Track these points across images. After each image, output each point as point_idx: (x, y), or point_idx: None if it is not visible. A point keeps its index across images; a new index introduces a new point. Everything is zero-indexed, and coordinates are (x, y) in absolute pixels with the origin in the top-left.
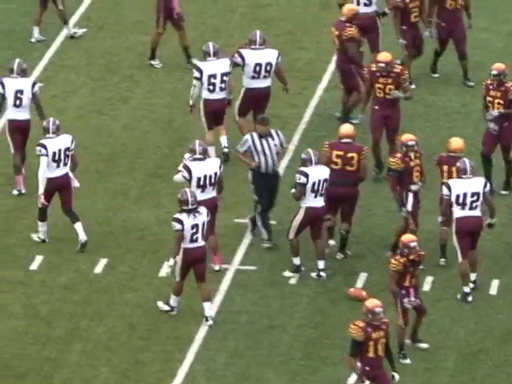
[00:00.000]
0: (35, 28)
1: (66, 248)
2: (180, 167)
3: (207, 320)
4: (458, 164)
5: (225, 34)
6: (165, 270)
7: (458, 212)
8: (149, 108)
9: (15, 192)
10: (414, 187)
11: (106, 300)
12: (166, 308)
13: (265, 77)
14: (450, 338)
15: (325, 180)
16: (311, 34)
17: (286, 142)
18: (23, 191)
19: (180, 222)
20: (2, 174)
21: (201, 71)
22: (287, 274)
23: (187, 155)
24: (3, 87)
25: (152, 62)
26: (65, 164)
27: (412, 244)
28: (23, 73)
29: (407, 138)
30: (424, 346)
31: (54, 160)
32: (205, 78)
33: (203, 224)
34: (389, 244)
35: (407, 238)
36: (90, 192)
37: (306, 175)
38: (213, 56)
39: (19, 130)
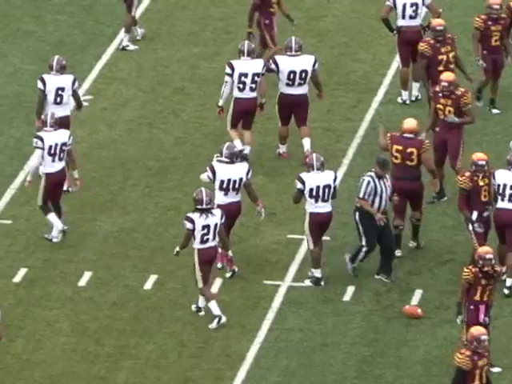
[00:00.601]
0: (125, 35)
1: (116, 264)
2: (207, 166)
3: (220, 319)
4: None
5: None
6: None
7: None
8: (200, 121)
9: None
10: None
11: (155, 317)
12: (194, 308)
13: (300, 84)
14: (506, 357)
15: (326, 186)
16: (367, 46)
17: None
18: (70, 189)
19: (191, 221)
20: None
21: (233, 68)
22: (307, 283)
23: (216, 155)
24: (44, 84)
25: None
26: (60, 159)
27: (488, 256)
28: (63, 69)
29: (478, 157)
30: (496, 370)
31: (49, 154)
32: (236, 76)
33: (215, 226)
34: (444, 261)
35: (484, 249)
36: (140, 207)
37: (303, 181)
38: (247, 55)
39: (59, 125)
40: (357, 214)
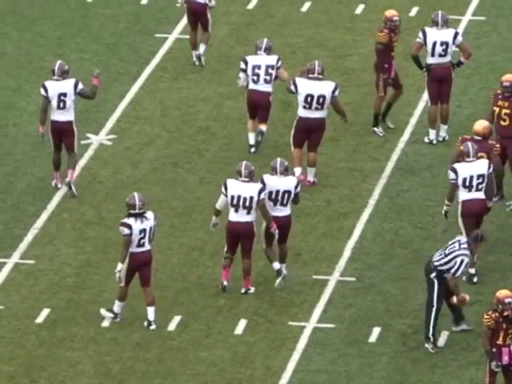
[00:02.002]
0: (193, 52)
1: (139, 304)
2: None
3: (150, 324)
4: (461, 148)
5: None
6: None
7: (464, 195)
8: (225, 161)
9: (53, 184)
10: None
11: (179, 358)
12: (110, 315)
13: (316, 108)
14: None
15: (286, 191)
16: None
17: None
18: (59, 186)
19: (128, 226)
20: (74, 228)
21: (246, 62)
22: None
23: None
24: (46, 90)
25: (375, 130)
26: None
27: (507, 300)
28: (65, 74)
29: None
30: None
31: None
32: (249, 68)
33: (150, 229)
34: (471, 302)
35: (503, 293)
36: (164, 247)
37: (264, 183)
38: (263, 51)
39: (60, 131)
40: (434, 274)
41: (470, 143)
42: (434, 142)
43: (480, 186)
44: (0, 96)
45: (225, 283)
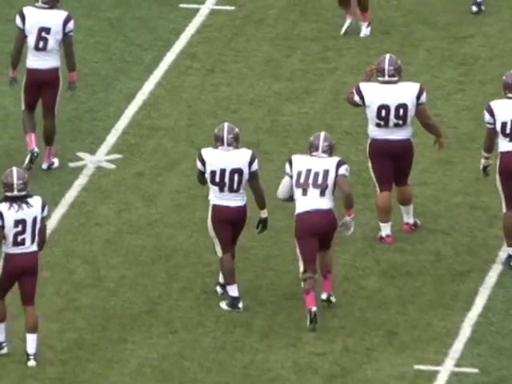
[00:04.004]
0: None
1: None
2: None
3: (29, 359)
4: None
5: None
6: None
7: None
8: None
9: (28, 151)
10: None
11: None
12: None
13: (397, 125)
14: None
15: (235, 171)
16: None
17: None
18: (36, 150)
19: None
20: (59, 293)
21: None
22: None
23: None
24: (23, 20)
25: None
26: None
27: None
28: (52, 1)
29: None
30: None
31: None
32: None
33: (34, 221)
34: None
35: None
36: (192, 321)
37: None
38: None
39: (38, 83)
40: None
41: None
42: None
43: None
44: None
45: (314, 309)
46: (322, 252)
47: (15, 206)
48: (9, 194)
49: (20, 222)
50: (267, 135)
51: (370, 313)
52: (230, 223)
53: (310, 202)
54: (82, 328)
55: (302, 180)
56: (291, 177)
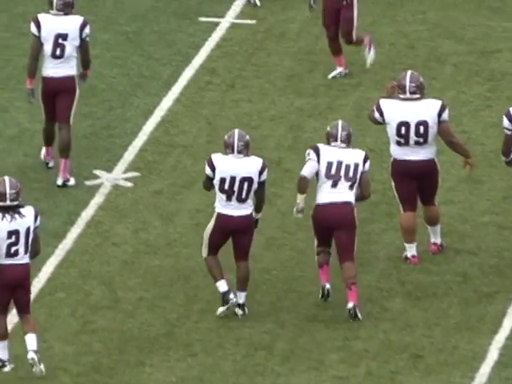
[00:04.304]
0: None
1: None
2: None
3: (34, 361)
4: None
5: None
6: None
7: None
8: (308, 212)
9: (42, 157)
10: None
11: None
12: None
13: (418, 143)
14: None
15: (244, 179)
16: None
17: None
18: (51, 164)
19: None
20: (75, 315)
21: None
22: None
23: None
24: (38, 27)
25: None
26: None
27: None
28: (67, 7)
29: None
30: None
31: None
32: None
33: (27, 232)
34: None
35: None
36: (212, 344)
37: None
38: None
39: (54, 91)
40: None
41: None
42: None
43: None
44: None
45: (327, 286)
46: (345, 264)
47: (8, 216)
48: (1, 203)
49: (13, 233)
50: (289, 152)
51: (394, 335)
52: (229, 233)
53: (339, 194)
54: (98, 351)
55: (333, 171)
56: (318, 163)
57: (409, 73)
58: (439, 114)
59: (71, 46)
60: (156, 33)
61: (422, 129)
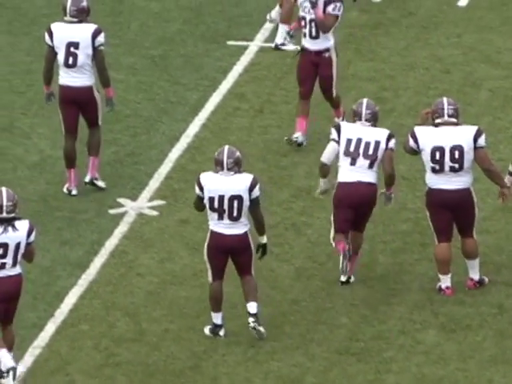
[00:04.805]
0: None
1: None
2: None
3: (2, 376)
4: None
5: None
6: None
7: None
8: None
9: (65, 190)
10: None
11: None
12: None
13: (453, 169)
14: None
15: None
16: None
17: None
18: (74, 192)
19: None
20: (99, 348)
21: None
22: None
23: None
24: (51, 36)
25: None
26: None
27: None
28: (81, 14)
29: None
30: None
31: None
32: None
33: (17, 246)
34: None
35: None
36: (239, 378)
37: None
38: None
39: (73, 101)
40: None
41: None
42: None
43: None
44: None
45: (346, 247)
46: (355, 233)
47: (0, 228)
48: None
49: (2, 246)
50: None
51: (427, 369)
52: (224, 252)
53: (357, 172)
54: None
55: (352, 149)
56: (338, 143)
57: (445, 98)
58: (475, 139)
59: (84, 55)
60: (183, 57)
61: (457, 154)
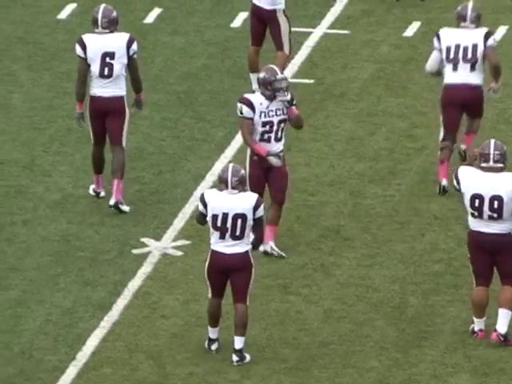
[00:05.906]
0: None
1: None
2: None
3: None
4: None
5: None
6: None
7: None
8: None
9: (91, 192)
10: None
11: None
12: None
13: (492, 218)
14: None
15: (238, 216)
16: None
17: None
18: (102, 194)
19: None
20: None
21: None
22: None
23: None
24: (84, 48)
25: None
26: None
27: None
28: (113, 25)
29: None
30: None
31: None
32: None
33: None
34: None
35: None
36: None
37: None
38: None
39: (103, 111)
40: None
41: None
42: None
43: None
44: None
45: (443, 183)
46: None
47: None
48: None
49: None
50: (348, 220)
51: None
52: (224, 272)
53: (461, 76)
54: None
55: (451, 55)
56: (440, 50)
57: (493, 142)
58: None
59: (119, 65)
60: (208, 93)
61: (496, 204)
